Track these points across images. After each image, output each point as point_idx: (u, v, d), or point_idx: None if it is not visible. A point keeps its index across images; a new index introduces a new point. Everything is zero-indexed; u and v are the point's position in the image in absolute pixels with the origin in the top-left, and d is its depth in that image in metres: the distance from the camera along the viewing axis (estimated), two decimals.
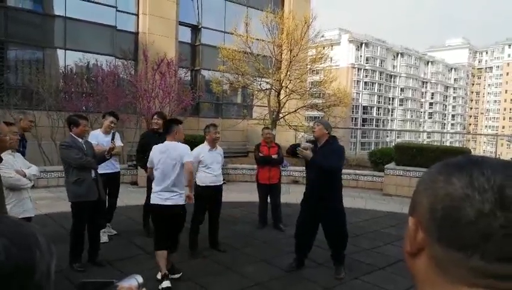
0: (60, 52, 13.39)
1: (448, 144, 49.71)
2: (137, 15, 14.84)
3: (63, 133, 10.55)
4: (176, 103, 12.13)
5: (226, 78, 14.97)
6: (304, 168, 4.69)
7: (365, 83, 73.77)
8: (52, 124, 10.49)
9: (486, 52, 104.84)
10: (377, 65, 75.29)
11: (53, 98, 11.04)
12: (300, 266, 4.57)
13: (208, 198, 4.98)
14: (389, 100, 79.48)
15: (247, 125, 16.30)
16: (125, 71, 12.84)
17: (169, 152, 4.06)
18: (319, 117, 18.00)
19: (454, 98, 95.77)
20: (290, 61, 13.46)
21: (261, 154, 6.24)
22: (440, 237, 0.52)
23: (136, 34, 14.84)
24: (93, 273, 4.20)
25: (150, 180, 5.24)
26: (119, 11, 14.23)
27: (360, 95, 72.74)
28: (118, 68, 12.74)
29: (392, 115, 79.87)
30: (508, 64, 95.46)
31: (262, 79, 14.21)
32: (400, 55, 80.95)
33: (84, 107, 11.31)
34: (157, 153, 4.11)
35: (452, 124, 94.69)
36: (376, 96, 75.77)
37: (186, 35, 16.58)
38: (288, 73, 13.60)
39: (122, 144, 5.73)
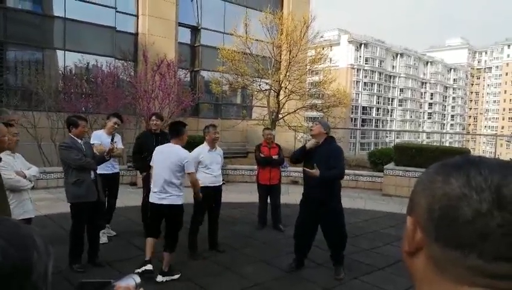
0: (60, 53, 13.39)
1: (447, 144, 49.76)
2: (136, 16, 14.85)
3: (63, 134, 10.53)
4: (175, 104, 12.13)
5: (226, 78, 14.98)
6: (302, 168, 4.69)
7: (364, 83, 73.82)
8: (52, 125, 10.49)
9: (486, 53, 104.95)
10: (376, 66, 75.34)
11: (52, 99, 11.04)
12: (300, 267, 4.58)
13: (207, 199, 4.97)
14: (389, 101, 79.53)
15: (247, 126, 16.31)
16: (125, 72, 12.84)
17: (169, 155, 4.13)
18: (318, 118, 18.03)
19: (453, 98, 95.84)
20: (290, 62, 13.47)
21: (261, 155, 6.24)
22: (438, 236, 0.52)
23: (136, 35, 14.85)
24: (93, 274, 4.20)
25: (145, 180, 5.27)
26: (118, 12, 14.24)
27: (360, 95, 72.77)
28: (117, 69, 12.74)
29: (391, 116, 79.92)
30: (507, 64, 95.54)
31: (262, 80, 14.23)
32: (399, 55, 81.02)
33: (83, 108, 11.31)
34: (158, 153, 4.22)
35: (451, 125, 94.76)
36: (375, 96, 75.81)
37: (185, 36, 16.59)
38: (288, 74, 13.61)
39: (123, 147, 5.72)
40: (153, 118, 5.62)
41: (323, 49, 16.10)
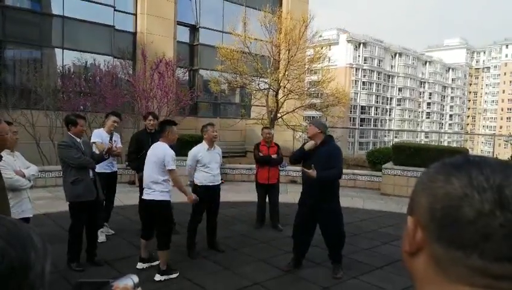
0: (58, 52, 13.37)
1: (446, 143, 49.91)
2: (135, 15, 14.82)
3: (61, 133, 10.53)
4: (174, 103, 12.13)
5: (224, 77, 14.98)
6: (301, 168, 4.69)
7: (363, 82, 73.86)
8: (50, 123, 10.47)
9: (484, 52, 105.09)
10: (375, 65, 75.38)
11: (51, 97, 11.02)
12: (298, 266, 4.58)
13: (206, 198, 4.98)
14: (387, 100, 79.60)
15: (245, 125, 16.31)
16: (123, 71, 12.83)
17: (154, 152, 4.24)
18: (317, 117, 18.05)
19: (452, 98, 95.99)
20: (288, 61, 13.48)
21: (260, 154, 6.24)
22: (439, 236, 0.52)
23: (134, 33, 14.83)
24: (91, 273, 4.20)
25: (142, 180, 5.28)
26: (117, 10, 14.21)
27: (358, 95, 72.82)
28: (116, 68, 12.73)
29: (390, 115, 80.00)
30: (506, 64, 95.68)
31: (261, 79, 14.23)
32: (397, 55, 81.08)
33: (82, 107, 11.30)
34: (149, 151, 4.35)
35: (450, 124, 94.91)
36: (374, 96, 75.87)
37: (184, 35, 16.57)
38: (287, 73, 13.62)
39: (121, 145, 5.71)
40: (150, 117, 5.61)
41: (322, 48, 16.10)
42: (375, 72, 75.32)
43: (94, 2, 13.55)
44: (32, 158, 5.79)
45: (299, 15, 13.80)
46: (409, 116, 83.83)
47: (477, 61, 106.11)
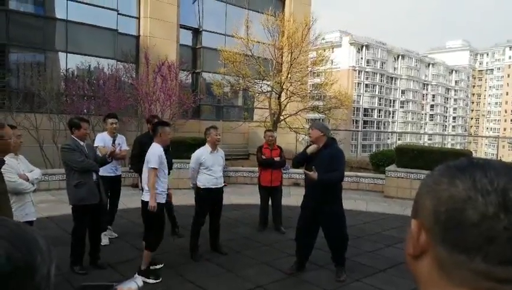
0: (62, 55, 13.43)
1: (449, 146, 49.69)
2: (138, 18, 14.88)
3: (65, 136, 10.57)
4: (177, 106, 12.16)
5: (227, 80, 14.99)
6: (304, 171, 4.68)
7: (366, 85, 73.80)
8: (54, 127, 10.52)
9: (487, 54, 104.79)
10: (378, 67, 75.34)
11: (54, 101, 11.07)
12: (301, 269, 4.57)
13: (209, 200, 4.98)
14: (390, 102, 79.48)
15: (248, 127, 16.31)
16: (127, 74, 12.88)
17: (147, 154, 4.26)
18: (320, 119, 18.02)
19: (455, 100, 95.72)
20: (291, 64, 13.49)
21: (263, 157, 6.24)
22: (443, 239, 0.52)
23: (138, 37, 14.89)
24: (94, 276, 4.21)
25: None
26: (120, 14, 14.28)
27: (361, 97, 72.76)
28: (119, 71, 12.78)
29: (393, 117, 79.85)
30: (509, 66, 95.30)
31: (263, 81, 14.24)
32: (400, 57, 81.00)
33: (85, 110, 11.35)
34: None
35: (453, 126, 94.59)
36: (377, 98, 75.78)
37: (187, 38, 16.62)
38: (289, 75, 13.62)
39: (128, 148, 5.73)
40: (155, 120, 5.62)
41: (324, 51, 16.12)
42: (377, 75, 75.26)
43: (97, 6, 13.61)
44: (36, 161, 5.81)
45: (301, 18, 13.81)
46: (412, 119, 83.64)
47: (480, 63, 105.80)
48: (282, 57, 14.27)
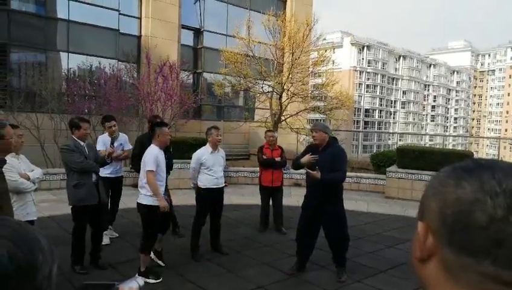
0: (63, 55, 13.45)
1: (450, 146, 49.62)
2: (140, 18, 14.90)
3: (66, 136, 10.59)
4: (178, 106, 12.16)
5: (228, 80, 15.00)
6: (305, 171, 4.69)
7: (367, 85, 73.76)
8: (55, 126, 10.53)
9: (489, 55, 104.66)
10: (379, 68, 75.29)
11: (56, 100, 11.08)
12: (302, 269, 4.57)
13: (209, 200, 4.98)
14: (391, 103, 79.42)
15: (249, 128, 16.31)
16: (128, 74, 12.89)
17: (144, 156, 4.23)
18: (321, 120, 18.02)
19: (456, 101, 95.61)
20: (292, 64, 13.48)
21: (264, 157, 6.24)
22: (450, 242, 0.51)
23: (139, 37, 14.90)
24: (95, 275, 4.21)
25: None
26: (122, 14, 14.30)
27: (362, 97, 72.71)
28: (120, 71, 12.79)
29: (394, 118, 79.79)
30: (511, 67, 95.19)
31: (264, 82, 14.24)
32: (402, 57, 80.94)
33: (86, 110, 11.36)
34: None
35: (454, 127, 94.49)
36: (378, 99, 75.72)
37: (188, 38, 16.63)
38: (290, 76, 13.61)
39: (131, 146, 5.73)
40: (156, 120, 5.61)
41: (325, 51, 16.10)
42: (379, 75, 75.21)
43: (99, 6, 13.63)
44: (37, 161, 5.82)
45: (303, 18, 13.80)
46: (413, 119, 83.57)
47: (482, 64, 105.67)
48: (283, 58, 14.27)
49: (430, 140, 60.71)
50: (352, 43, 71.39)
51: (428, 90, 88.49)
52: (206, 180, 4.95)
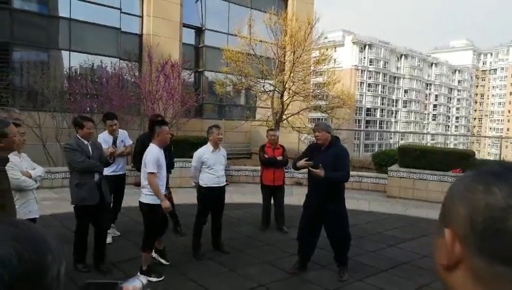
0: (65, 54, 13.47)
1: (452, 146, 49.55)
2: (141, 17, 14.91)
3: (68, 134, 10.62)
4: (179, 105, 12.17)
5: (230, 79, 15.00)
6: (307, 170, 4.69)
7: (369, 84, 73.66)
8: (57, 125, 10.56)
9: (491, 54, 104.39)
10: (381, 67, 75.17)
11: (58, 99, 11.11)
12: (303, 268, 4.57)
13: (211, 199, 4.99)
14: (393, 102, 79.30)
15: (251, 126, 16.31)
16: (130, 73, 12.90)
17: (144, 156, 4.23)
18: (322, 119, 17.99)
19: (458, 100, 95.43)
20: (294, 63, 13.47)
21: (265, 156, 6.24)
22: (481, 249, 0.49)
23: (141, 36, 14.91)
24: (97, 274, 4.22)
25: None
26: (123, 13, 14.31)
27: (364, 96, 72.62)
28: (122, 70, 12.81)
29: (395, 117, 79.67)
30: None
31: (266, 81, 14.23)
32: (403, 56, 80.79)
33: (88, 108, 11.38)
34: None
35: (456, 126, 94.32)
36: (380, 98, 75.62)
37: (190, 37, 16.64)
38: (292, 75, 13.60)
39: (131, 142, 5.74)
40: (159, 119, 5.61)
41: (327, 50, 16.06)
42: (380, 74, 75.10)
43: (101, 4, 13.64)
44: (39, 159, 5.83)
45: (304, 17, 13.78)
46: (415, 118, 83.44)
47: (483, 63, 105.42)
48: (284, 56, 14.26)
49: (431, 139, 60.59)
50: (353, 42, 71.26)
51: (430, 89, 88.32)
52: (207, 179, 4.95)
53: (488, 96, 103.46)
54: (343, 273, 4.41)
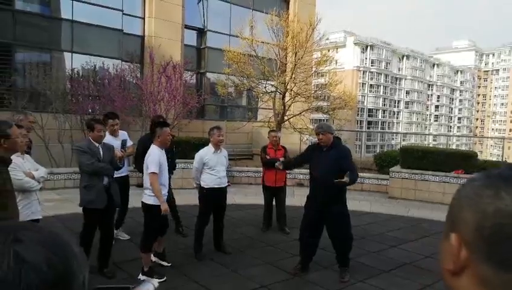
0: (67, 55, 13.51)
1: (454, 146, 49.43)
2: (143, 18, 14.94)
3: (70, 135, 10.67)
4: (181, 106, 12.19)
5: (231, 80, 15.01)
6: (309, 171, 4.70)
7: (370, 85, 73.61)
8: (59, 126, 10.59)
9: (493, 55, 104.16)
10: (383, 68, 75.11)
11: (60, 100, 11.14)
12: (305, 269, 4.57)
13: (212, 200, 5.00)
14: (395, 103, 79.23)
15: (252, 127, 16.32)
16: (132, 74, 12.93)
17: (146, 157, 4.25)
18: (324, 120, 17.99)
19: (460, 100, 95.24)
20: (295, 64, 13.47)
21: (267, 157, 6.25)
22: (490, 256, 0.48)
23: (142, 37, 14.94)
24: (101, 277, 4.23)
25: None
26: (125, 14, 14.34)
27: (366, 97, 72.57)
28: (124, 71, 12.83)
29: (397, 118, 79.59)
30: None
31: (267, 82, 14.23)
32: (405, 57, 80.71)
33: (90, 110, 11.41)
34: None
35: (458, 127, 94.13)
36: (381, 98, 75.56)
37: (191, 38, 16.66)
38: (293, 76, 13.60)
39: (132, 142, 5.74)
40: (160, 121, 5.60)
41: (329, 51, 16.08)
42: (382, 75, 75.06)
43: (103, 6, 13.68)
44: (41, 160, 5.85)
45: (306, 18, 13.79)
46: (417, 119, 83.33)
47: (486, 64, 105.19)
48: (286, 57, 14.27)
49: (433, 140, 60.54)
50: (355, 43, 71.26)
51: (431, 90, 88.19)
52: (208, 180, 4.96)
53: (490, 97, 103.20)
54: (344, 274, 4.41)
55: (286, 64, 14.26)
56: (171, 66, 12.00)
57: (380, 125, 74.97)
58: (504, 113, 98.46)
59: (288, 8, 17.83)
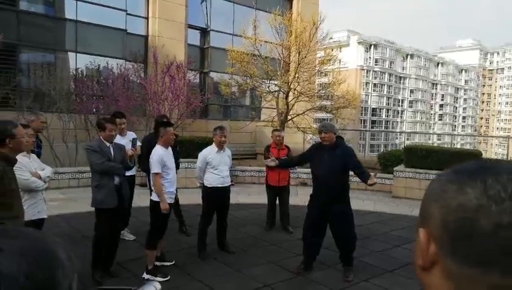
0: (71, 55, 13.57)
1: (459, 146, 49.17)
2: (147, 18, 14.98)
3: (74, 135, 10.72)
4: (184, 105, 12.22)
5: (235, 80, 15.02)
6: (311, 170, 4.71)
7: (374, 84, 73.37)
8: (64, 126, 10.64)
9: (498, 53, 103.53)
10: (386, 67, 74.84)
11: (64, 100, 11.20)
12: (309, 268, 4.58)
13: (216, 199, 5.01)
14: (399, 102, 78.92)
15: (256, 127, 16.33)
16: (135, 74, 12.97)
17: (150, 157, 4.29)
18: (327, 119, 17.96)
19: (464, 99, 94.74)
20: (299, 63, 13.45)
21: (271, 156, 6.24)
22: (454, 251, 0.48)
23: (146, 37, 14.98)
24: (103, 275, 4.25)
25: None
26: (129, 14, 14.39)
27: (369, 97, 72.35)
28: (128, 71, 12.87)
29: (401, 117, 79.28)
30: None
31: (271, 81, 14.23)
32: (409, 56, 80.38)
33: (94, 110, 11.46)
34: None
35: (463, 126, 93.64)
36: (385, 98, 75.29)
37: (195, 38, 16.69)
38: (297, 75, 13.59)
39: (140, 143, 5.76)
40: (164, 120, 5.62)
41: (332, 50, 16.05)
42: (386, 74, 74.78)
43: (106, 6, 13.73)
44: (46, 160, 5.88)
45: (309, 17, 13.76)
46: (421, 118, 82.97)
47: (490, 63, 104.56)
48: (289, 57, 14.25)
49: (438, 139, 60.22)
50: (359, 42, 71.04)
51: (436, 89, 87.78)
52: (212, 179, 4.97)
53: (495, 95, 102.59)
54: (348, 273, 4.41)
55: (289, 63, 14.25)
56: (175, 65, 12.03)
57: (383, 125, 74.74)
58: (509, 112, 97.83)
59: (291, 7, 17.81)
